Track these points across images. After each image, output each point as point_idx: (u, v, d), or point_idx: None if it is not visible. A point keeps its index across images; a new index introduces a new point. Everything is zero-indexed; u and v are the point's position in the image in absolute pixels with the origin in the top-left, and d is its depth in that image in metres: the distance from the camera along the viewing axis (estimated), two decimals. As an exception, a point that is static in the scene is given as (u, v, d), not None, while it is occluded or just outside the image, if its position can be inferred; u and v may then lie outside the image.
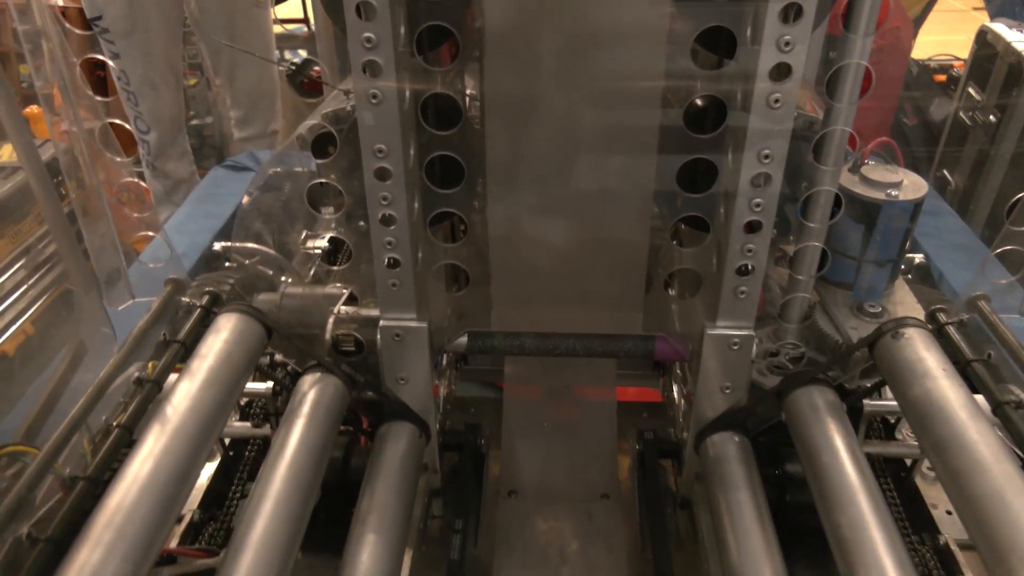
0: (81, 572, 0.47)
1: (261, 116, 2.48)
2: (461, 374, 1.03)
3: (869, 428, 0.82)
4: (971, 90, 1.94)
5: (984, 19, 2.57)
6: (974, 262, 1.02)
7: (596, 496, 0.85)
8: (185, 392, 0.60)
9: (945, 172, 2.04)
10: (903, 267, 0.93)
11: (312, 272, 1.15)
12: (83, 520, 0.49)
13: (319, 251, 1.21)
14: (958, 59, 2.46)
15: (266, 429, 0.80)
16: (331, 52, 1.23)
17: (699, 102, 0.63)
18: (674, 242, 0.70)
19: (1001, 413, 0.60)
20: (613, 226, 0.66)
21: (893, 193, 0.72)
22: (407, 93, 0.61)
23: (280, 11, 3.00)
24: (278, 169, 1.35)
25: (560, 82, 0.61)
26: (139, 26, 1.86)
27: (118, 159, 0.77)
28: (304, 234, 1.24)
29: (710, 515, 0.73)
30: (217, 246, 1.10)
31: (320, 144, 0.74)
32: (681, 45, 0.58)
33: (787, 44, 0.56)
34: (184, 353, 0.65)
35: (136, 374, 0.61)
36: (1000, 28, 1.85)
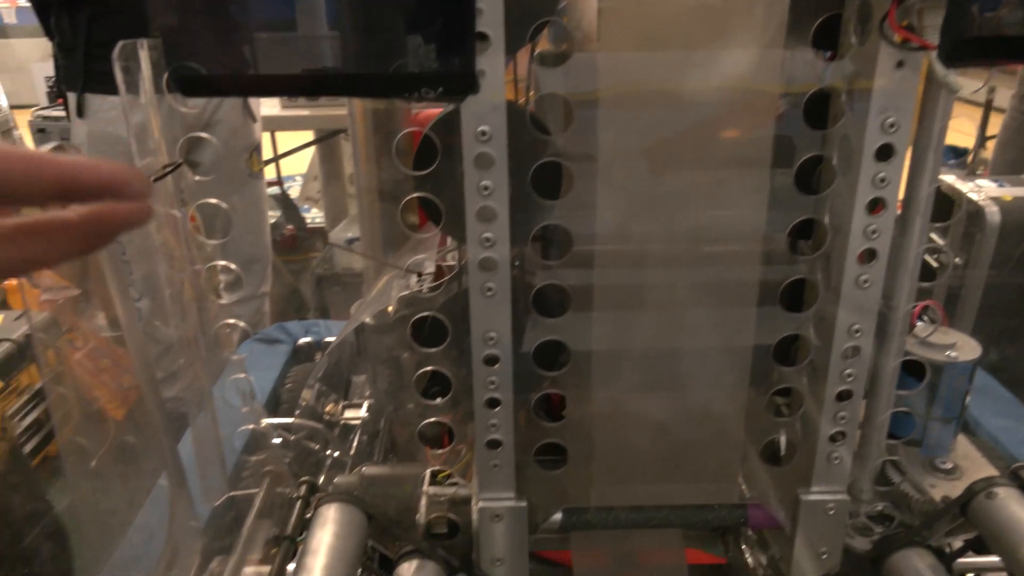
0: None
1: (253, 280, 2.50)
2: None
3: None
4: (933, 235, 2.09)
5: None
6: (1000, 406, 1.07)
7: (683, 670, 0.83)
8: (308, 589, 0.59)
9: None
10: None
11: (355, 444, 1.14)
12: None
13: (359, 422, 1.21)
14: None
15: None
16: (374, 234, 1.27)
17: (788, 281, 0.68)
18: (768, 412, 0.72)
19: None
20: (712, 403, 0.69)
21: (952, 355, 0.77)
22: (519, 285, 0.65)
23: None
24: (308, 339, 1.36)
25: (663, 274, 0.65)
26: None
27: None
28: (341, 405, 1.24)
29: None
30: (263, 423, 1.09)
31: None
32: (778, 240, 0.64)
33: (874, 232, 0.62)
34: (293, 547, 0.64)
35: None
36: (950, 179, 2.03)
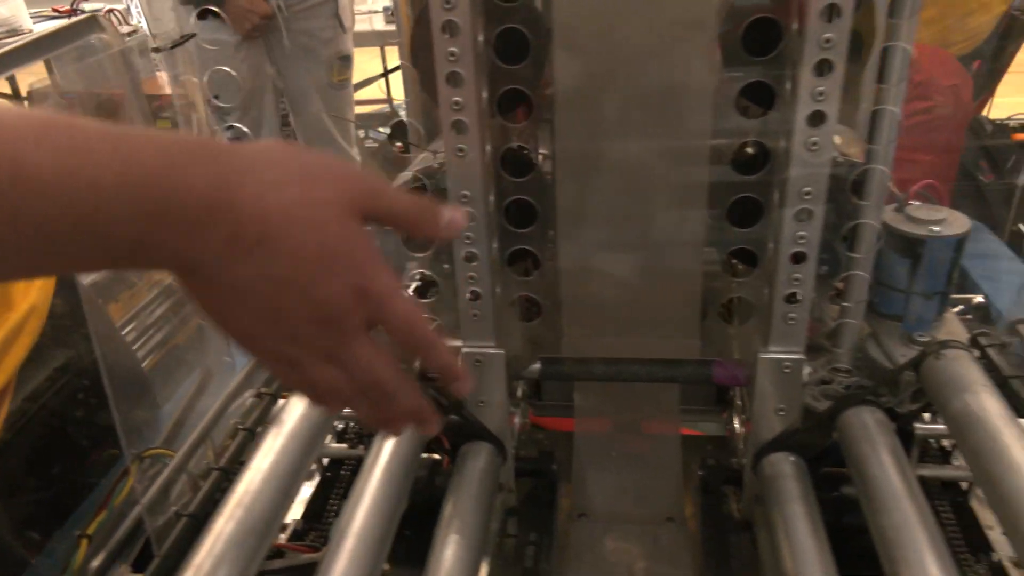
0: (217, 541, 0.56)
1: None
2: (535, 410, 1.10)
3: (924, 454, 0.85)
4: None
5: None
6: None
7: (661, 519, 0.90)
8: (297, 402, 0.70)
9: (1020, 226, 2.06)
10: (963, 307, 0.98)
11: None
12: (218, 501, 0.59)
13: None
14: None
15: (360, 450, 0.89)
16: (419, 121, 1.36)
17: (747, 149, 0.71)
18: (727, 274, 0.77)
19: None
20: (670, 260, 0.74)
21: (936, 229, 0.78)
22: (488, 147, 0.71)
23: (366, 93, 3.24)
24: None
25: (620, 140, 0.70)
26: (253, 104, 2.06)
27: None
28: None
29: (768, 533, 0.77)
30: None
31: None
32: (730, 102, 0.67)
33: (820, 95, 0.64)
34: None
35: (259, 389, 0.71)
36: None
